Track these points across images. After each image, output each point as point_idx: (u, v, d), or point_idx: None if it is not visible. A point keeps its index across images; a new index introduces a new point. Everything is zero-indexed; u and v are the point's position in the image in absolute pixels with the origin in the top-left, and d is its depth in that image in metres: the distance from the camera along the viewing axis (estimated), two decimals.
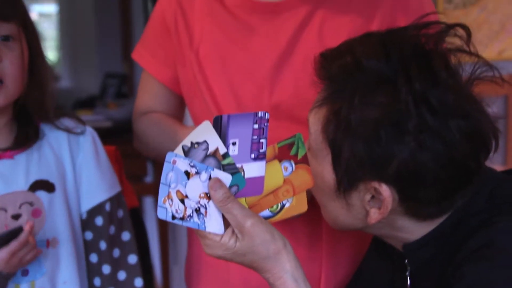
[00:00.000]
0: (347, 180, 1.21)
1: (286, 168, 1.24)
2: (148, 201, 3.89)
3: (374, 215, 1.22)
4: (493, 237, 1.16)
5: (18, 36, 1.43)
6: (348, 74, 1.20)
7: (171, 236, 3.65)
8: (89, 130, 1.57)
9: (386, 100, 1.15)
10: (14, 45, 1.42)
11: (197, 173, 1.17)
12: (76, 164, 1.52)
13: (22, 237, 1.32)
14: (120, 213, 1.59)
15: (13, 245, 1.32)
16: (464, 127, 1.15)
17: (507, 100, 2.77)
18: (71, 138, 1.53)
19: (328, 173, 1.23)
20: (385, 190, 1.18)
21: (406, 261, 1.31)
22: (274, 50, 1.49)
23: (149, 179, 3.80)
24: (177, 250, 3.60)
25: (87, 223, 1.54)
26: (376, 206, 1.21)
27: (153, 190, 3.60)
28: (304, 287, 1.19)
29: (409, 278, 1.32)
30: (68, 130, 1.52)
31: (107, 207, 1.56)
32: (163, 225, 3.57)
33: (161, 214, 1.17)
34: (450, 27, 1.21)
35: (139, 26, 4.71)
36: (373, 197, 1.21)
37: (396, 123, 1.15)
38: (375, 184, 1.19)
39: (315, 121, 1.24)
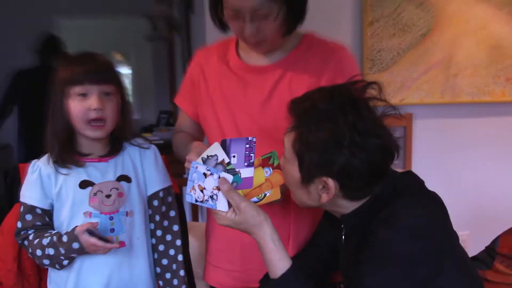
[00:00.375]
0: (307, 177, 1.20)
1: (266, 172, 1.25)
2: (185, 189, 3.87)
3: (324, 198, 1.21)
4: (393, 211, 1.16)
5: (115, 91, 1.42)
6: (307, 112, 1.20)
7: (200, 212, 3.63)
8: (153, 146, 1.56)
9: (331, 127, 1.15)
10: (112, 97, 1.41)
11: (211, 174, 1.19)
12: (143, 167, 1.51)
13: (108, 246, 1.34)
14: (169, 198, 1.58)
15: (100, 244, 1.33)
16: (378, 144, 1.17)
17: (406, 129, 2.77)
18: (141, 151, 1.51)
19: (295, 173, 1.22)
20: (331, 182, 1.18)
21: (342, 225, 1.31)
22: (261, 96, 1.47)
23: (186, 176, 3.77)
24: (204, 221, 3.56)
25: (148, 203, 1.53)
26: (325, 192, 1.21)
27: None
28: (278, 244, 1.20)
29: (344, 236, 1.32)
30: (139, 146, 1.52)
31: (161, 194, 1.54)
32: (194, 206, 3.54)
33: (188, 199, 1.20)
34: (370, 83, 1.22)
35: (180, 81, 4.70)
36: (323, 187, 1.20)
37: (337, 141, 1.15)
38: (325, 179, 1.18)
39: (288, 141, 1.23)
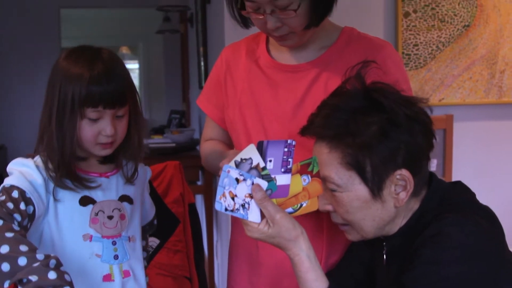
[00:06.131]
0: (377, 183, 1.18)
1: (304, 179, 1.22)
2: (198, 197, 3.87)
3: (403, 196, 1.18)
4: (442, 228, 1.13)
5: (127, 111, 1.33)
6: (338, 121, 1.19)
7: (214, 220, 3.63)
8: (147, 167, 1.50)
9: (377, 115, 1.16)
10: (124, 118, 1.32)
11: (244, 179, 1.16)
12: (143, 189, 1.47)
13: None
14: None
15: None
16: (423, 110, 1.21)
17: (446, 132, 2.75)
18: (140, 171, 1.44)
19: (361, 190, 1.19)
20: (405, 172, 1.16)
21: (384, 243, 1.28)
22: (293, 99, 1.44)
23: (200, 183, 3.79)
24: (219, 230, 3.58)
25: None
26: (402, 189, 1.18)
27: (203, 191, 3.57)
28: (314, 262, 1.18)
29: (385, 256, 1.30)
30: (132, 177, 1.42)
31: (155, 221, 1.57)
32: (208, 214, 3.55)
33: (218, 207, 1.16)
34: (366, 62, 1.27)
35: (194, 79, 4.73)
36: (396, 184, 1.18)
37: (392, 123, 1.15)
38: (398, 173, 1.16)
39: (331, 165, 1.19)
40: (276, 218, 1.15)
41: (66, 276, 1.09)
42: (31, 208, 1.23)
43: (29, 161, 1.29)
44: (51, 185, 1.28)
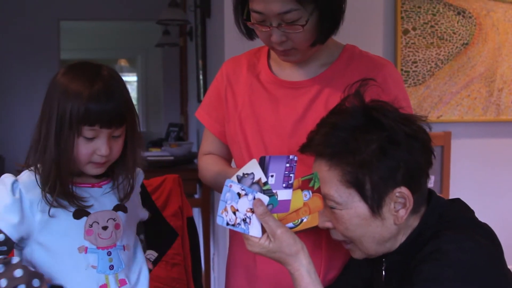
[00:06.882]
0: (377, 201, 1.18)
1: (305, 195, 1.22)
2: (196, 211, 3.86)
3: (402, 213, 1.19)
4: (440, 245, 1.13)
5: (124, 131, 1.31)
6: (337, 139, 1.20)
7: (211, 233, 3.62)
8: (140, 171, 1.46)
9: (376, 133, 1.17)
10: (120, 138, 1.30)
11: (246, 194, 1.16)
12: (135, 193, 1.43)
13: None
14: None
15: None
16: (422, 127, 1.22)
17: (444, 149, 2.76)
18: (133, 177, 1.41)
19: (361, 208, 1.20)
20: (404, 189, 1.17)
21: (383, 259, 1.28)
22: (293, 115, 1.44)
23: (197, 196, 3.78)
24: (216, 243, 3.57)
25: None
26: (401, 207, 1.19)
27: (200, 204, 3.58)
28: (314, 278, 1.18)
29: (384, 272, 1.30)
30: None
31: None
32: (206, 227, 3.55)
33: (219, 221, 1.17)
34: (364, 80, 1.28)
35: (192, 92, 4.74)
36: (395, 202, 1.18)
37: (391, 141, 1.16)
38: (397, 190, 1.17)
39: (330, 183, 1.21)
40: (277, 233, 1.15)
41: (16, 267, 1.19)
42: (2, 236, 1.23)
43: (9, 184, 1.26)
44: (36, 202, 1.26)
